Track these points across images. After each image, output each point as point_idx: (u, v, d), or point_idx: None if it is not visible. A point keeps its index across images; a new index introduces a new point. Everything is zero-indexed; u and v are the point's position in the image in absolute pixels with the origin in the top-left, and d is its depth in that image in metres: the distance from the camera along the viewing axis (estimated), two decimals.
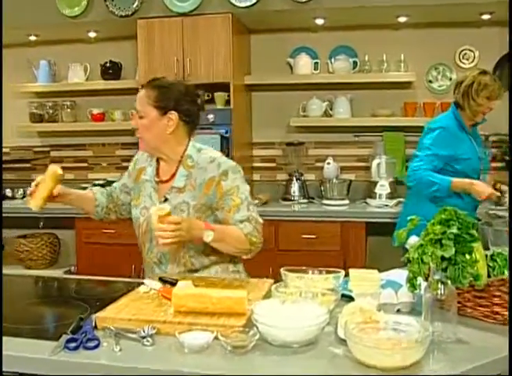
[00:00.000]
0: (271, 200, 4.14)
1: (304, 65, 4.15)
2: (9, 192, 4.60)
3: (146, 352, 1.45)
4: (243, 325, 1.52)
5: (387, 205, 3.91)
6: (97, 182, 4.43)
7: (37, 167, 4.77)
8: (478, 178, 3.19)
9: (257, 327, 1.48)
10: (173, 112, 2.10)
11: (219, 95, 3.99)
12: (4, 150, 4.55)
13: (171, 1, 3.83)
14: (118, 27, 4.13)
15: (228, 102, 3.99)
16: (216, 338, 1.45)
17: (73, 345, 1.44)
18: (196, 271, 2.16)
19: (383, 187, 3.96)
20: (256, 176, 4.46)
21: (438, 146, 3.04)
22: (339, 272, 1.90)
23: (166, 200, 2.15)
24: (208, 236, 1.99)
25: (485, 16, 3.84)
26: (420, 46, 4.11)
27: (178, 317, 1.58)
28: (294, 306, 1.58)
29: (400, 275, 1.97)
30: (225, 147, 3.84)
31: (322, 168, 4.27)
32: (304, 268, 1.92)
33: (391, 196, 3.97)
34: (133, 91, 4.27)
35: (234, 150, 3.86)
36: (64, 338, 1.47)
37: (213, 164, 2.12)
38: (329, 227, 3.79)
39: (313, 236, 3.78)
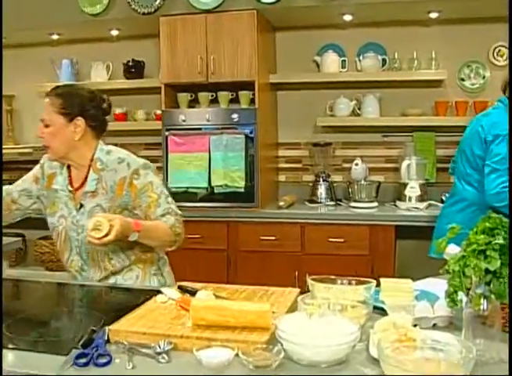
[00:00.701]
0: (297, 201, 4.01)
1: (331, 63, 4.02)
2: None
3: (160, 369, 1.34)
4: (266, 341, 1.40)
5: (417, 208, 3.76)
6: None
7: None
8: None
9: (281, 344, 1.36)
10: (79, 118, 2.10)
11: (244, 94, 3.88)
12: (26, 150, 4.50)
13: None
14: (140, 24, 4.05)
15: (252, 101, 3.87)
16: (237, 354, 1.34)
17: (82, 361, 1.34)
18: (119, 273, 2.18)
19: (413, 189, 3.80)
20: (281, 177, 4.34)
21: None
22: (370, 282, 1.77)
23: (81, 206, 2.14)
24: (133, 237, 1.96)
25: None
26: (452, 43, 3.94)
27: (196, 331, 1.47)
28: (322, 321, 1.45)
29: (435, 285, 1.84)
30: (250, 147, 3.73)
31: (349, 169, 4.13)
32: (332, 277, 1.78)
33: (421, 198, 3.82)
34: (156, 90, 4.25)
35: (259, 150, 3.74)
36: (74, 352, 1.37)
37: (122, 164, 2.12)
38: (357, 230, 3.65)
39: (341, 240, 3.65)
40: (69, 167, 2.20)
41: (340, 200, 4.06)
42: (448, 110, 3.92)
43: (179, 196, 3.85)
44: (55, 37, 4.34)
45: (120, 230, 1.85)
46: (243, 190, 3.75)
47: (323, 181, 4.06)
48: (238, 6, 3.72)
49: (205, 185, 3.78)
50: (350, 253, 3.65)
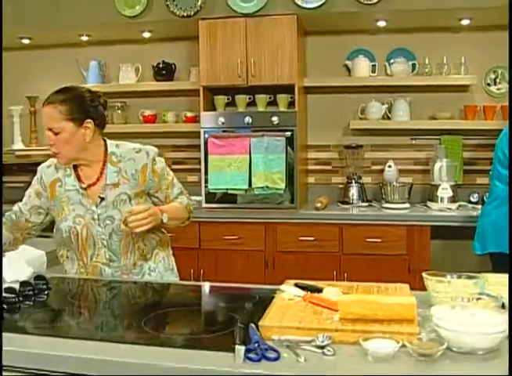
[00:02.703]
0: (329, 203, 4.09)
1: (362, 67, 4.11)
2: None
3: (330, 362, 1.39)
4: (419, 332, 1.47)
5: (449, 209, 3.88)
6: None
7: None
8: None
9: (437, 333, 1.43)
10: (88, 120, 2.15)
11: (283, 97, 3.95)
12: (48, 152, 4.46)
13: (235, 1, 3.78)
14: (174, 27, 4.08)
15: (290, 104, 3.94)
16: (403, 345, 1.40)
17: (255, 356, 1.38)
18: (149, 257, 2.32)
19: (445, 190, 3.92)
20: (310, 179, 4.41)
21: None
22: (478, 277, 1.85)
23: (102, 199, 2.21)
24: (165, 218, 2.17)
25: None
26: (479, 49, 4.07)
27: (347, 325, 1.52)
28: (465, 312, 1.52)
29: None
30: (289, 150, 3.80)
31: (378, 171, 4.25)
32: (443, 273, 1.86)
33: (453, 199, 3.94)
34: (186, 92, 4.30)
35: (299, 152, 3.82)
36: (240, 349, 1.41)
37: (141, 153, 2.26)
38: (394, 231, 3.75)
39: (378, 240, 3.74)
40: (74, 167, 2.25)
41: (371, 201, 4.16)
42: (476, 114, 4.05)
43: (218, 197, 3.91)
44: (84, 38, 4.33)
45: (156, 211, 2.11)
46: (282, 192, 3.81)
47: (355, 183, 4.15)
48: (278, 11, 3.79)
49: (245, 186, 3.83)
50: (387, 253, 3.74)
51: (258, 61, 3.82)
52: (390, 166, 4.09)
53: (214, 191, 3.87)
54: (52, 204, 2.28)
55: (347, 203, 4.12)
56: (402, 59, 4.11)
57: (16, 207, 2.34)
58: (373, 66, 4.13)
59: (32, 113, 4.59)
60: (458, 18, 3.88)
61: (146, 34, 4.27)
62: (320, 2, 3.70)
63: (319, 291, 1.80)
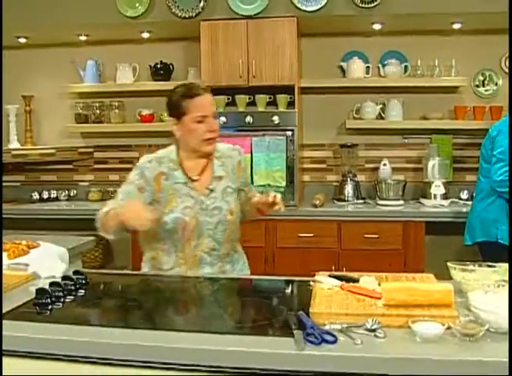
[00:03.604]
0: (325, 200, 4.20)
1: (357, 69, 4.24)
2: (53, 193, 4.56)
3: (383, 343, 1.50)
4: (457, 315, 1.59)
5: (442, 205, 4.04)
6: None
7: (80, 168, 4.74)
8: None
9: (477, 316, 1.55)
10: None
11: (282, 98, 4.05)
12: (49, 150, 4.49)
13: (236, 3, 3.87)
14: (174, 28, 4.14)
15: (289, 104, 4.05)
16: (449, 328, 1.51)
17: (316, 340, 1.48)
18: (236, 247, 2.48)
19: (438, 188, 4.08)
20: (306, 177, 4.52)
21: None
22: (495, 265, 1.99)
23: (212, 190, 2.33)
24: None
25: None
26: (468, 52, 4.24)
27: (392, 310, 1.63)
28: (497, 296, 1.64)
29: None
30: (289, 148, 3.91)
31: (372, 169, 4.39)
32: (467, 262, 1.99)
33: (445, 196, 4.10)
34: None
35: (298, 151, 3.93)
36: (299, 333, 1.51)
37: (235, 151, 2.45)
38: (391, 227, 3.89)
39: (375, 236, 3.87)
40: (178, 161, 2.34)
41: (365, 199, 4.30)
42: (466, 114, 4.22)
43: None
44: (82, 38, 4.35)
45: None
46: (283, 190, 3.91)
47: (350, 180, 4.28)
48: (278, 13, 3.89)
49: None
50: (384, 248, 3.87)
51: (259, 62, 3.92)
52: (385, 164, 4.23)
53: None
54: (159, 197, 2.30)
55: (343, 200, 4.24)
56: (395, 61, 4.26)
57: (110, 207, 2.23)
58: (367, 67, 4.27)
59: (28, 112, 4.58)
60: (450, 22, 4.04)
61: (145, 35, 4.31)
62: (320, 5, 3.81)
63: (354, 280, 1.91)
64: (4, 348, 1.54)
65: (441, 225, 3.94)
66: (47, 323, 1.63)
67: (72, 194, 4.63)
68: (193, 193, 2.31)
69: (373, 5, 3.78)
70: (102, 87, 4.49)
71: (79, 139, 4.69)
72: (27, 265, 2.22)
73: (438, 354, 1.43)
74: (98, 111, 4.52)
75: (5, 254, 2.26)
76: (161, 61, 4.40)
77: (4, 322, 1.62)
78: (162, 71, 4.40)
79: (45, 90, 4.58)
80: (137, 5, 3.96)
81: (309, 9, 3.82)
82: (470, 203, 3.90)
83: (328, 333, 1.52)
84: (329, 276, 1.99)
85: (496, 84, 4.32)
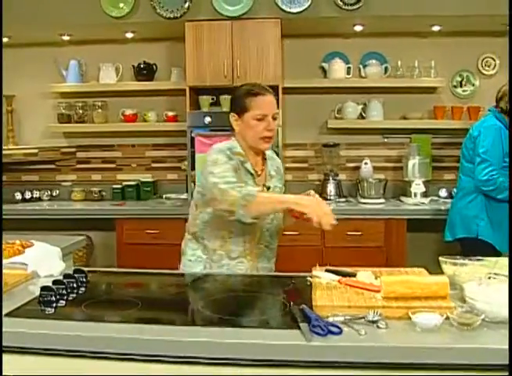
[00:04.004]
0: None
1: (338, 69, 4.32)
2: (36, 194, 4.54)
3: (385, 333, 1.56)
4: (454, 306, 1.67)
5: (423, 203, 4.14)
6: (129, 183, 4.48)
7: (62, 168, 4.73)
8: None
9: (472, 306, 1.63)
10: None
11: None
12: (32, 150, 4.47)
13: (221, 4, 3.91)
14: (158, 28, 4.16)
15: None
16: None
17: (322, 331, 1.53)
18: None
19: (418, 186, 4.18)
20: (288, 176, 4.57)
21: (497, 145, 3.28)
22: (483, 259, 2.08)
23: (269, 188, 2.41)
24: None
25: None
26: (447, 53, 4.36)
27: (391, 302, 1.70)
28: (491, 288, 1.73)
29: None
30: (275, 147, 3.95)
31: (353, 168, 4.48)
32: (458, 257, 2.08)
33: (425, 194, 4.21)
34: (167, 92, 4.39)
35: (286, 150, 3.99)
36: (305, 326, 1.56)
37: (274, 154, 2.57)
38: (373, 224, 3.97)
39: (358, 234, 3.95)
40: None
41: (347, 197, 4.38)
42: (445, 114, 4.34)
43: None
44: (65, 38, 4.34)
45: None
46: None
47: (332, 179, 4.35)
48: (263, 14, 3.94)
49: None
50: (366, 245, 3.96)
51: (244, 62, 3.97)
52: (366, 163, 4.32)
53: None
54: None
55: (325, 199, 4.28)
56: (375, 62, 4.35)
57: (236, 187, 2.17)
58: (348, 68, 4.35)
59: (9, 112, 4.55)
60: (429, 24, 4.15)
61: (129, 35, 4.32)
62: (303, 7, 3.87)
63: (351, 275, 1.97)
64: (15, 345, 1.57)
65: (422, 222, 4.04)
66: (57, 321, 1.66)
67: (55, 194, 4.62)
68: (256, 187, 2.34)
69: (355, 7, 3.86)
70: (85, 87, 4.48)
71: (61, 138, 4.68)
72: (24, 264, 2.23)
73: (438, 343, 1.50)
74: (81, 111, 4.51)
75: None
76: (144, 61, 4.42)
77: (13, 319, 1.65)
78: (145, 71, 4.42)
79: (27, 90, 4.55)
80: (122, 5, 3.97)
81: (293, 10, 3.89)
82: (449, 201, 4.03)
83: (333, 325, 1.58)
84: (326, 270, 2.05)
85: (473, 85, 4.44)
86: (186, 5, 3.93)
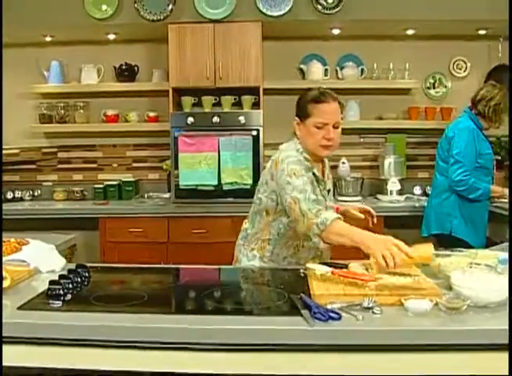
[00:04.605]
0: None
1: (315, 71, 4.46)
2: (17, 194, 4.55)
3: (381, 318, 1.68)
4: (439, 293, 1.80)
5: (398, 200, 4.30)
6: (110, 182, 4.53)
7: (44, 168, 4.75)
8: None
9: (459, 293, 1.76)
10: None
11: (247, 99, 4.21)
12: (13, 151, 4.49)
13: (203, 7, 4.00)
14: (141, 30, 4.23)
15: (254, 104, 4.22)
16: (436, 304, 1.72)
17: (323, 317, 1.64)
18: None
19: (394, 184, 4.34)
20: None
21: (470, 146, 3.45)
22: (463, 251, 2.24)
23: (329, 191, 2.54)
24: None
25: (482, 31, 4.32)
26: (421, 56, 4.53)
27: (384, 290, 1.82)
28: (474, 276, 1.86)
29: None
30: (255, 147, 4.07)
31: (331, 167, 4.53)
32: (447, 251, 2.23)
33: (400, 192, 4.37)
34: (148, 93, 4.46)
35: (265, 150, 4.10)
36: (306, 313, 1.67)
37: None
38: (353, 222, 4.08)
39: None
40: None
41: None
42: (418, 114, 4.51)
43: (188, 193, 4.10)
44: (48, 38, 4.37)
45: None
46: (250, 187, 4.07)
47: None
48: (244, 17, 4.04)
49: (215, 182, 4.05)
50: None
51: (226, 64, 4.07)
52: (343, 162, 4.46)
53: (184, 187, 4.06)
54: None
55: None
56: (352, 64, 4.50)
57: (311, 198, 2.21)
58: (326, 70, 4.48)
59: None
60: (403, 28, 4.31)
61: (111, 36, 4.37)
62: (284, 11, 3.99)
63: (343, 266, 2.09)
64: (30, 336, 1.64)
65: (399, 219, 4.19)
66: (67, 313, 1.73)
67: (36, 194, 4.64)
68: (323, 192, 2.43)
69: (334, 11, 3.99)
70: (66, 87, 4.51)
71: (42, 139, 4.70)
72: (23, 261, 2.28)
73: (429, 325, 1.63)
74: (62, 111, 4.54)
75: None
76: (126, 62, 4.48)
77: (25, 312, 1.72)
78: (127, 72, 4.47)
79: (9, 90, 4.56)
80: (105, 7, 4.02)
81: (274, 13, 4.00)
82: (423, 198, 4.21)
83: (332, 311, 1.69)
84: (319, 263, 2.16)
85: (446, 86, 4.63)
86: (169, 7, 4.01)
